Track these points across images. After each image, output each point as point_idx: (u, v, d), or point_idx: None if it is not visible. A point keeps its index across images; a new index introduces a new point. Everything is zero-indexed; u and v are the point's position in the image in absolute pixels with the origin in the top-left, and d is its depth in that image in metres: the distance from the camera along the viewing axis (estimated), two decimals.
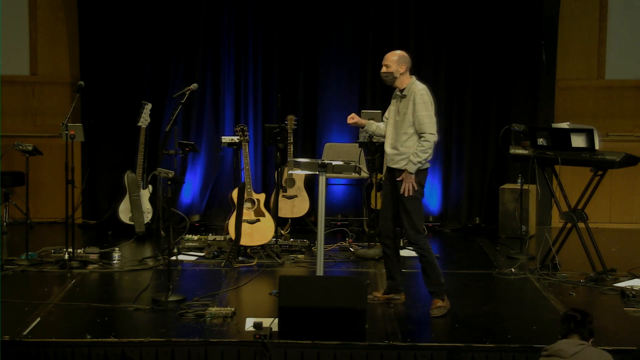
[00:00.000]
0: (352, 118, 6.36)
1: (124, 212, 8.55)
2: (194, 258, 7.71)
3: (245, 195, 7.69)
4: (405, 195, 6.01)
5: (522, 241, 8.03)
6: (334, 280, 5.89)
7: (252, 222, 7.71)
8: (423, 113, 5.97)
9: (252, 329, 5.54)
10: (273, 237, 7.80)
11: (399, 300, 6.31)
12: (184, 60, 9.28)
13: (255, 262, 7.53)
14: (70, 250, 7.34)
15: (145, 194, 8.58)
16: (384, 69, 6.11)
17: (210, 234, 8.46)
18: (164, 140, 8.16)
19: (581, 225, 7.24)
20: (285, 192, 8.67)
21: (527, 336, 5.57)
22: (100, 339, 5.41)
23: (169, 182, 6.54)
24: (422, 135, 5.98)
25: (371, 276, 7.10)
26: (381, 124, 6.36)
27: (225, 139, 8.06)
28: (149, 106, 8.59)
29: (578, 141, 7.18)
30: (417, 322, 5.96)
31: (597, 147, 7.16)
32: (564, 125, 7.49)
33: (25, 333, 5.50)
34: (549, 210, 8.81)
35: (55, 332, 5.58)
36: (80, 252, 7.51)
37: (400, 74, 6.07)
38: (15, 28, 9.37)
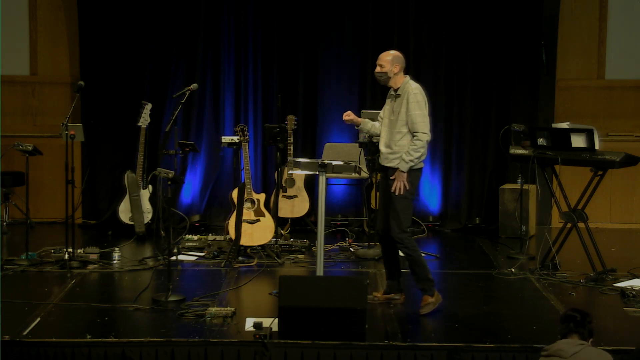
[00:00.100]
0: (348, 115, 6.38)
1: (124, 212, 8.55)
2: (194, 258, 7.71)
3: (245, 195, 7.69)
4: (396, 193, 6.04)
5: (522, 241, 8.03)
6: (334, 280, 5.89)
7: (252, 222, 7.71)
8: (416, 112, 6.00)
9: (252, 329, 5.54)
10: (273, 237, 7.80)
11: (399, 300, 6.32)
12: (184, 60, 9.28)
13: (255, 262, 7.53)
14: (70, 250, 7.34)
15: (145, 194, 8.58)
16: (378, 69, 6.16)
17: (210, 234, 8.46)
18: (164, 140, 8.16)
19: (581, 225, 7.24)
20: (285, 192, 8.67)
21: (527, 336, 5.57)
22: (100, 339, 5.41)
23: (169, 182, 6.54)
24: (414, 134, 6.02)
25: (371, 276, 7.10)
26: (376, 123, 6.39)
27: (225, 139, 8.06)
28: (149, 106, 8.59)
29: (578, 141, 7.18)
30: (417, 322, 5.96)
31: (597, 147, 7.16)
32: (564, 125, 7.49)
33: (25, 333, 5.51)
34: (549, 210, 8.81)
35: (55, 332, 5.58)
36: (80, 252, 7.51)
37: (394, 73, 6.11)
38: (15, 28, 9.37)
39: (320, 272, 5.92)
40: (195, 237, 8.28)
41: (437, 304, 6.10)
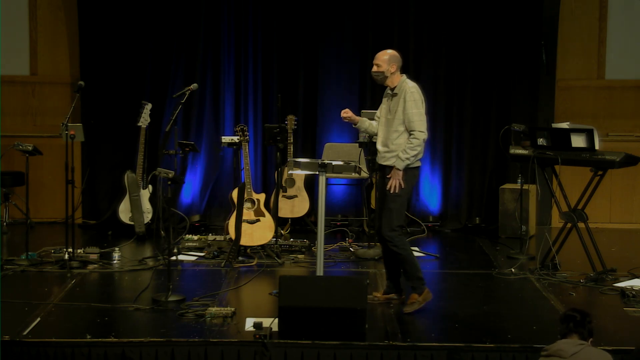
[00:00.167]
0: (346, 112, 6.41)
1: (124, 212, 8.55)
2: (194, 258, 7.71)
3: (245, 195, 7.69)
4: (391, 191, 6.05)
5: (522, 241, 8.03)
6: (334, 280, 5.89)
7: (252, 222, 7.71)
8: (413, 111, 6.02)
9: (252, 329, 5.54)
10: (273, 237, 7.80)
11: (399, 300, 6.32)
12: (184, 60, 9.28)
13: (255, 262, 7.53)
14: (70, 250, 7.34)
15: (145, 194, 8.58)
16: (374, 68, 6.19)
17: (210, 234, 8.46)
18: (164, 140, 8.16)
19: (581, 225, 7.24)
20: (285, 192, 8.67)
21: (527, 336, 5.57)
22: (100, 339, 5.41)
23: (169, 182, 6.54)
24: (411, 132, 6.03)
25: (371, 276, 7.10)
26: (374, 122, 6.42)
27: (225, 139, 8.06)
28: (149, 106, 8.59)
29: (578, 141, 7.18)
30: (417, 322, 5.96)
31: (597, 147, 7.16)
32: (564, 125, 7.49)
33: (25, 333, 5.50)
34: (549, 210, 8.81)
35: (55, 332, 5.58)
36: (80, 252, 7.51)
37: (391, 73, 6.14)
38: (15, 28, 9.37)
39: (320, 272, 5.92)
40: (195, 237, 8.28)
41: (424, 303, 6.10)
